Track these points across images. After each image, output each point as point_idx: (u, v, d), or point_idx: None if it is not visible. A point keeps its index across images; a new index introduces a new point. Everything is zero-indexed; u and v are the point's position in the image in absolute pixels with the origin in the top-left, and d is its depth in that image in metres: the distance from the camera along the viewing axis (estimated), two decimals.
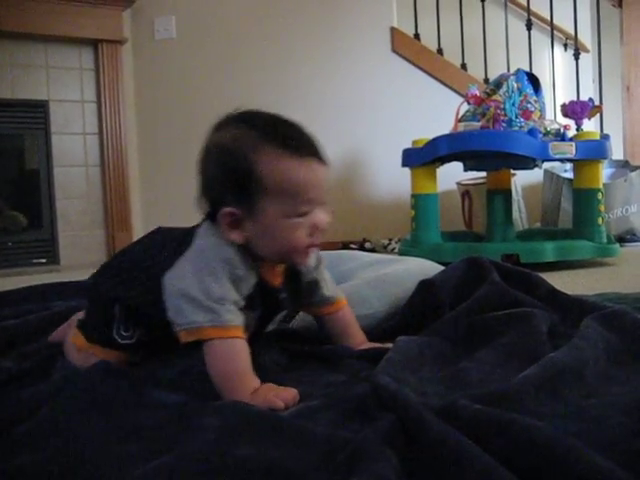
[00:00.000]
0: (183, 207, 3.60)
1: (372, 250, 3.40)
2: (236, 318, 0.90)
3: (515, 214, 3.32)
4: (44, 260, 3.53)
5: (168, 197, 3.69)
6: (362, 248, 3.40)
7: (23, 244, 3.51)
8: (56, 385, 0.90)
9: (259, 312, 1.01)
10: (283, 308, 1.10)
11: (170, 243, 1.02)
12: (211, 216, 0.97)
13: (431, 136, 2.63)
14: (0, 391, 0.97)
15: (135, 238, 3.56)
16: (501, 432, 0.62)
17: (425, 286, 1.21)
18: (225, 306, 0.89)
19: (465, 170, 2.85)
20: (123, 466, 0.66)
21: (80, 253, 3.56)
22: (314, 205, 0.93)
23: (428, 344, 1.00)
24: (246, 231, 0.93)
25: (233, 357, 0.88)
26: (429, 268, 1.38)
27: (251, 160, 0.89)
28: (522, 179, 3.59)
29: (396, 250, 3.34)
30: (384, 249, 3.47)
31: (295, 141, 0.92)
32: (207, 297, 0.88)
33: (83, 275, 2.09)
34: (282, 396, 0.84)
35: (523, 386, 0.79)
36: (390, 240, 3.52)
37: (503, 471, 0.55)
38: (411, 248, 2.64)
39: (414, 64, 3.82)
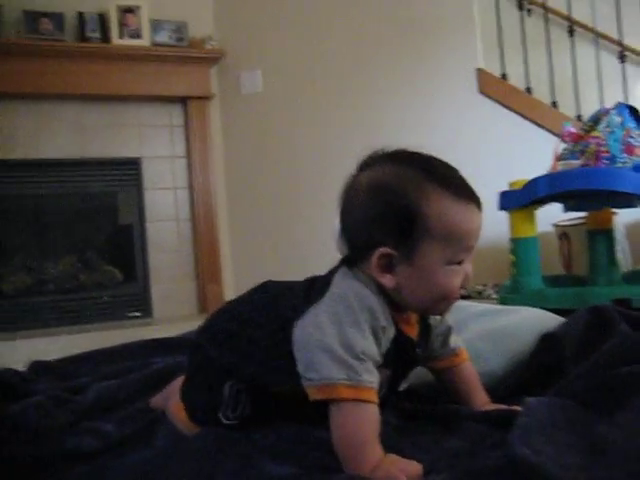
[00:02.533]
0: (272, 260, 3.63)
1: (467, 297, 3.28)
2: (374, 379, 0.82)
3: (618, 255, 3.14)
4: (138, 313, 3.58)
5: (257, 250, 3.70)
6: None
7: (118, 298, 3.58)
8: (160, 455, 0.85)
9: (393, 369, 0.93)
10: (418, 363, 1.01)
11: (295, 292, 0.95)
12: (349, 262, 0.92)
13: (524, 177, 2.52)
14: (103, 458, 0.94)
15: (226, 291, 3.62)
16: None
17: (548, 340, 1.11)
18: (365, 364, 0.82)
19: (565, 211, 2.71)
20: None
21: (172, 306, 3.60)
22: (470, 253, 0.88)
23: (560, 406, 0.89)
24: (399, 276, 0.87)
25: (363, 424, 0.80)
26: (547, 319, 1.28)
27: (416, 200, 0.84)
28: (624, 217, 3.40)
29: (492, 296, 3.21)
30: (479, 295, 3.34)
31: (458, 184, 0.88)
32: (347, 350, 0.81)
33: (176, 327, 2.08)
34: (406, 470, 0.76)
35: None
36: (485, 286, 3.39)
37: None
38: (511, 294, 2.51)
39: (503, 104, 3.72)
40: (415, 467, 0.77)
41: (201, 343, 1.01)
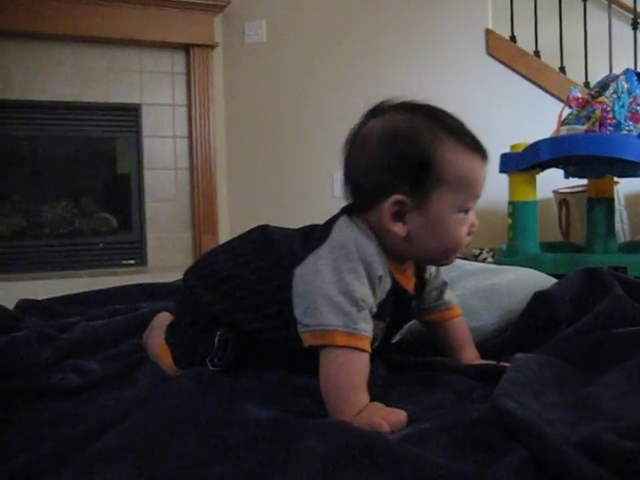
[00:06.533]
0: (269, 213, 3.60)
1: (463, 259, 3.27)
2: (369, 329, 0.83)
3: (617, 224, 3.12)
4: (132, 261, 3.57)
5: (255, 201, 3.67)
6: None
7: (113, 245, 3.57)
8: (143, 393, 0.84)
9: (389, 321, 0.93)
10: (413, 316, 1.02)
11: (294, 238, 0.95)
12: (349, 211, 0.92)
13: (527, 141, 2.49)
14: (85, 395, 0.93)
15: (221, 242, 3.60)
16: None
17: (540, 298, 1.10)
18: (362, 312, 0.82)
19: (566, 177, 2.68)
20: None
21: (167, 255, 3.59)
22: (475, 202, 0.90)
23: (548, 364, 0.88)
24: (410, 224, 0.87)
25: (352, 370, 0.80)
26: (541, 279, 1.26)
27: (431, 148, 0.85)
28: (625, 187, 3.37)
29: (488, 260, 3.20)
30: (475, 259, 3.33)
31: (468, 135, 0.89)
32: (346, 297, 0.81)
33: (170, 277, 2.07)
34: (389, 419, 0.75)
35: None
36: (481, 250, 3.38)
37: None
38: (507, 258, 2.50)
39: (510, 67, 3.66)
40: (398, 416, 0.76)
41: (192, 285, 1.00)
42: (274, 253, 0.94)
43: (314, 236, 0.91)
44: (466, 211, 0.89)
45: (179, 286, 1.63)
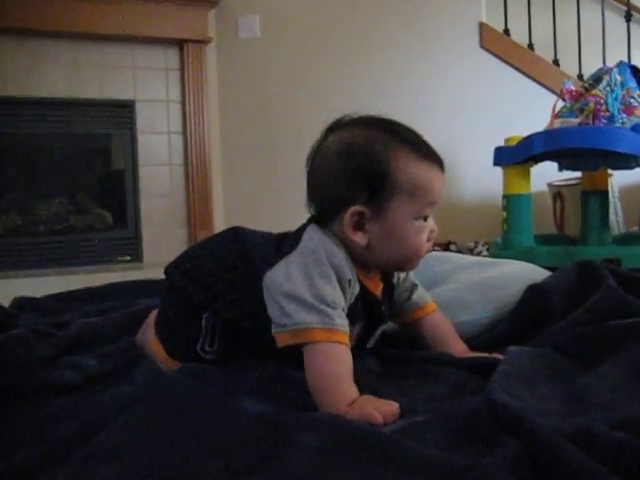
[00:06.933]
0: (264, 207, 3.60)
1: (458, 253, 3.28)
2: (346, 324, 0.86)
3: (611, 217, 3.13)
4: (128, 258, 3.56)
5: (250, 197, 3.67)
6: (447, 251, 3.28)
7: (108, 241, 3.56)
8: (139, 389, 0.84)
9: (361, 326, 0.96)
10: (385, 321, 1.04)
11: (266, 245, 0.99)
12: (317, 220, 0.95)
13: (521, 134, 2.49)
14: (82, 392, 0.94)
15: None
16: None
17: (534, 291, 1.11)
18: (337, 310, 0.85)
19: (560, 170, 2.69)
20: None
21: (163, 251, 3.57)
22: (432, 209, 0.93)
23: (541, 356, 0.89)
24: (370, 233, 0.90)
25: (336, 363, 0.83)
26: (535, 271, 1.27)
27: (387, 160, 0.89)
28: (618, 180, 3.39)
29: (483, 253, 3.21)
30: (470, 252, 3.34)
31: (423, 146, 0.92)
32: (318, 300, 0.84)
33: None
34: (382, 410, 0.76)
35: None
36: (476, 243, 3.39)
37: None
38: (502, 251, 2.51)
39: (504, 60, 3.67)
40: (391, 407, 0.77)
41: (174, 278, 1.01)
42: (248, 257, 0.97)
43: (285, 244, 0.95)
44: (425, 218, 0.92)
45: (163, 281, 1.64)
